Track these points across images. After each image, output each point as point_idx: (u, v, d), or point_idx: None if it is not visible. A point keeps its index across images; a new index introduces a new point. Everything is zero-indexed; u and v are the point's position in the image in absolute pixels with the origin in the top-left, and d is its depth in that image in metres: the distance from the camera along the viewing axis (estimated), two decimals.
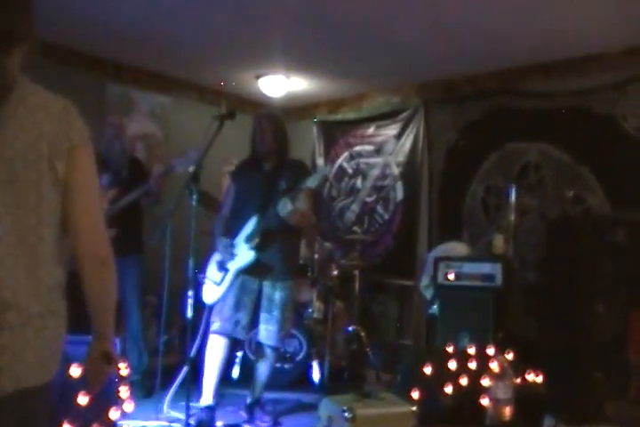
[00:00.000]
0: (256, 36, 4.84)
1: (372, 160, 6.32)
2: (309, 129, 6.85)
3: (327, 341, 4.73)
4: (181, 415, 3.41)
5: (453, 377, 3.29)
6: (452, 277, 4.50)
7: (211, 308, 3.70)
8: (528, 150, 5.23)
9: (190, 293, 3.48)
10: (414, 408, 2.98)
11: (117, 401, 2.86)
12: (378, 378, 4.90)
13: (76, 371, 2.56)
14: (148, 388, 3.98)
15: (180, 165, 3.96)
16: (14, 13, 1.42)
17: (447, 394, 3.18)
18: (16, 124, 1.37)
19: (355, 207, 6.40)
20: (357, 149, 6.45)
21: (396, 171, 6.12)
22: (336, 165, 6.60)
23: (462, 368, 3.36)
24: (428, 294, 4.91)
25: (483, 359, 3.42)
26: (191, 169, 3.59)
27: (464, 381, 3.27)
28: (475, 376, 3.28)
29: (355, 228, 6.28)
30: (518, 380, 3.25)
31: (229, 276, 3.62)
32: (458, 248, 4.99)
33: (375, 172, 6.28)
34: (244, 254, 3.60)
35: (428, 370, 3.28)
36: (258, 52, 5.22)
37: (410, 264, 5.78)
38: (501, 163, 5.39)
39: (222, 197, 4.17)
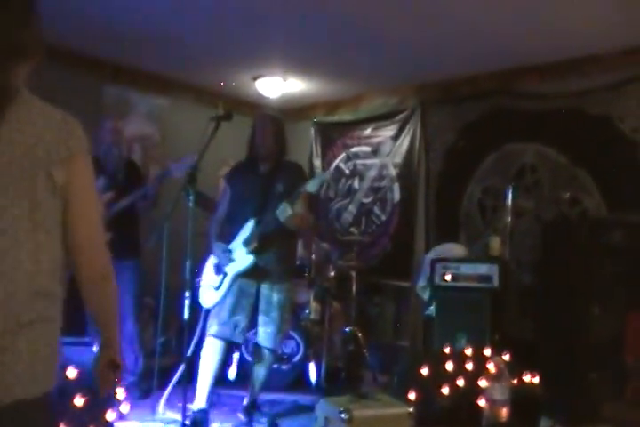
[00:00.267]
0: (253, 38, 4.85)
1: (369, 161, 6.33)
2: (307, 130, 6.86)
3: (324, 342, 4.73)
4: (178, 416, 3.40)
5: (450, 378, 3.30)
6: (448, 278, 4.51)
7: (207, 311, 3.70)
8: (525, 152, 5.24)
9: (187, 294, 3.47)
10: (411, 409, 2.98)
11: (114, 403, 2.86)
12: (375, 379, 4.89)
13: (72, 373, 2.56)
14: (145, 389, 3.98)
15: (176, 170, 3.96)
16: (24, 28, 1.44)
17: (444, 395, 3.18)
18: (14, 130, 1.37)
19: (352, 208, 6.40)
20: (354, 150, 6.46)
21: (393, 172, 6.12)
22: (333, 166, 6.61)
23: (459, 369, 3.37)
24: (425, 295, 4.92)
25: (480, 361, 3.43)
26: (188, 171, 3.58)
27: (461, 382, 3.28)
28: (472, 378, 3.28)
29: (352, 229, 6.29)
30: (515, 381, 3.25)
31: (227, 280, 3.62)
32: (455, 249, 4.99)
33: (372, 173, 6.29)
34: (243, 258, 3.59)
35: (424, 371, 3.29)
36: (255, 53, 5.22)
37: (407, 265, 5.79)
38: (498, 164, 5.40)
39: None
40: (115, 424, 2.82)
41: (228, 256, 3.62)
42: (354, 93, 6.37)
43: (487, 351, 3.48)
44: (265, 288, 3.65)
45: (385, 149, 6.20)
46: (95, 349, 1.63)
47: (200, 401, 3.55)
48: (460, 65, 5.32)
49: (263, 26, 4.61)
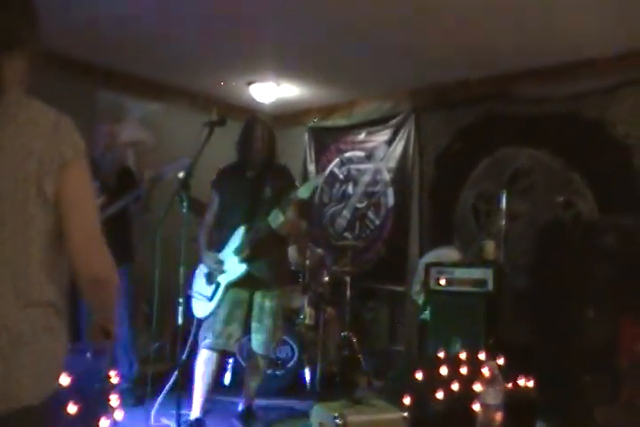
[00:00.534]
0: (247, 43, 4.85)
1: (362, 166, 6.34)
2: (300, 135, 6.87)
3: (319, 347, 4.72)
4: (172, 424, 3.39)
5: (445, 383, 3.29)
6: (443, 282, 4.51)
7: (200, 321, 3.66)
8: (519, 156, 5.25)
9: (181, 300, 3.46)
10: (405, 414, 2.97)
11: (107, 410, 2.85)
12: (370, 384, 4.89)
13: (65, 380, 2.55)
14: (139, 396, 3.96)
15: (169, 172, 3.95)
16: (15, 14, 1.43)
17: (438, 400, 3.18)
18: (5, 143, 1.36)
19: (346, 213, 6.41)
20: (348, 155, 6.47)
21: (387, 177, 6.13)
22: (327, 170, 6.61)
23: (454, 374, 3.36)
24: (420, 299, 4.92)
25: (474, 365, 3.42)
26: (181, 176, 3.57)
27: (455, 386, 3.27)
28: (466, 382, 3.28)
29: (346, 234, 6.29)
30: (510, 385, 3.25)
31: (220, 290, 3.59)
32: (449, 254, 4.99)
33: (366, 178, 6.29)
34: (235, 268, 3.56)
35: (419, 376, 3.28)
36: (249, 58, 5.23)
37: (401, 270, 5.79)
38: (492, 168, 5.41)
39: None
40: None
41: (220, 268, 3.59)
42: (347, 98, 6.39)
43: (482, 356, 3.48)
44: (258, 296, 3.64)
45: (379, 153, 6.21)
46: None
47: (196, 411, 3.54)
48: (453, 70, 5.33)
49: (257, 31, 4.62)
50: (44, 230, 1.41)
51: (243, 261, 3.55)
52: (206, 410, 3.69)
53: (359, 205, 6.32)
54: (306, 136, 6.84)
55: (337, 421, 2.80)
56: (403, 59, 5.10)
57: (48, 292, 1.41)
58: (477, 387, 3.14)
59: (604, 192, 4.74)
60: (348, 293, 5.26)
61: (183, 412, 3.35)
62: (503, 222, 5.11)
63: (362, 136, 6.36)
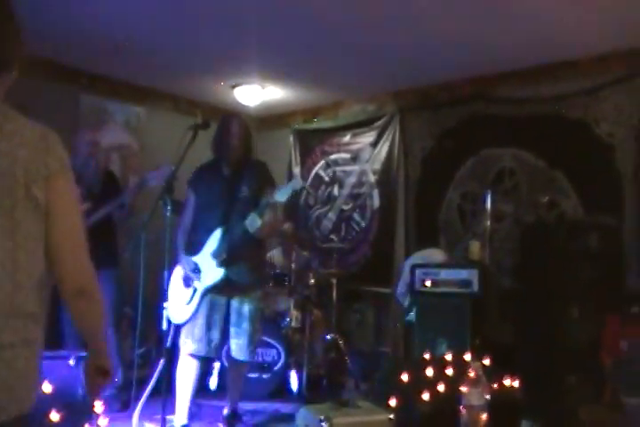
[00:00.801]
0: (231, 46, 4.85)
1: (348, 168, 6.34)
2: (286, 138, 6.87)
3: (305, 349, 4.72)
4: None
5: (431, 384, 3.29)
6: (428, 283, 4.51)
7: (177, 327, 3.58)
8: (503, 156, 5.28)
9: (166, 305, 3.45)
10: (391, 416, 2.97)
11: (92, 416, 2.83)
12: (357, 386, 4.88)
13: (47, 387, 2.53)
14: (124, 401, 3.94)
15: (153, 178, 3.94)
16: (3, 37, 1.45)
17: (424, 401, 3.17)
18: None
19: (331, 215, 6.41)
20: (333, 157, 6.47)
21: (372, 178, 6.14)
22: (312, 173, 6.62)
23: (440, 375, 3.36)
24: (405, 301, 4.92)
25: (460, 366, 3.42)
26: (165, 180, 3.56)
27: (441, 388, 3.27)
28: (452, 383, 3.28)
29: (332, 236, 6.29)
30: (495, 385, 3.26)
31: (197, 295, 3.52)
32: (434, 255, 5.00)
33: (351, 180, 6.30)
34: (213, 272, 3.50)
35: (405, 377, 3.28)
36: (233, 61, 5.22)
37: (387, 272, 5.79)
38: (477, 169, 5.43)
39: None
40: None
41: (197, 274, 3.52)
42: (332, 101, 6.39)
43: (467, 356, 3.48)
44: (235, 301, 3.58)
45: (364, 155, 6.22)
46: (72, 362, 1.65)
47: (181, 418, 3.52)
48: (437, 71, 5.36)
49: (240, 34, 4.61)
50: (32, 237, 1.40)
51: (220, 265, 3.49)
52: (192, 415, 3.67)
53: (345, 207, 6.33)
54: (291, 138, 6.84)
55: (323, 424, 2.80)
56: (387, 61, 5.11)
57: (32, 302, 1.40)
58: (463, 388, 3.14)
59: (588, 192, 4.77)
60: (334, 295, 5.26)
61: (168, 417, 3.33)
62: (488, 223, 5.13)
63: (347, 138, 6.37)
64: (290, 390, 4.61)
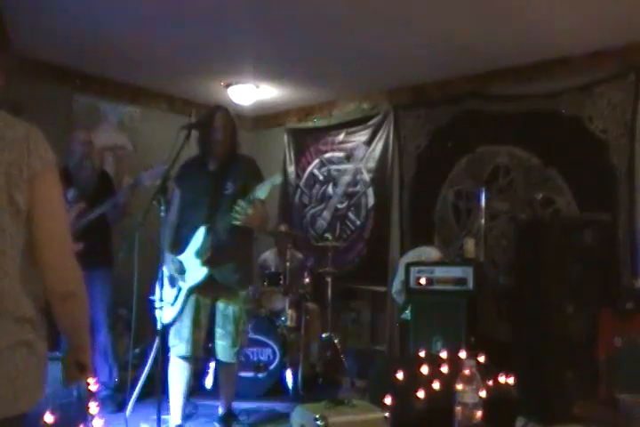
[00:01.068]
0: (225, 46, 4.85)
1: (342, 167, 6.34)
2: (280, 137, 6.87)
3: (301, 348, 4.72)
4: None
5: (426, 382, 3.29)
6: (423, 281, 4.52)
7: (164, 327, 3.48)
8: (498, 153, 5.28)
9: (160, 305, 3.44)
10: (387, 414, 2.97)
11: (86, 418, 2.82)
12: (353, 384, 4.89)
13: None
14: (119, 402, 3.93)
15: (147, 178, 3.92)
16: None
17: (420, 399, 3.18)
18: None
19: (326, 214, 6.41)
20: (328, 155, 6.47)
21: (366, 177, 6.14)
22: (307, 172, 6.62)
23: (435, 373, 3.36)
24: (400, 299, 4.92)
25: (455, 363, 3.42)
26: (159, 182, 3.55)
27: (437, 385, 3.27)
28: (447, 381, 3.28)
29: (326, 235, 6.27)
30: (490, 382, 3.26)
31: (182, 294, 3.47)
32: (429, 253, 5.00)
33: (346, 178, 6.30)
34: (196, 272, 3.44)
35: (400, 375, 3.28)
36: (227, 61, 5.22)
37: (382, 270, 5.79)
38: (471, 167, 5.43)
39: None
40: None
41: (182, 275, 3.47)
42: (326, 99, 6.39)
43: (462, 354, 3.48)
44: (221, 302, 3.54)
45: (358, 154, 6.22)
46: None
47: (175, 418, 3.51)
48: (431, 69, 5.36)
49: (234, 33, 4.61)
50: (18, 243, 1.39)
51: (203, 264, 3.43)
52: (187, 414, 3.67)
53: (339, 206, 6.32)
54: (285, 137, 6.84)
55: (317, 422, 2.79)
56: (381, 59, 5.11)
57: (24, 306, 1.40)
58: (459, 385, 3.14)
59: (583, 189, 4.78)
60: (330, 293, 5.26)
61: (163, 417, 3.33)
62: (483, 220, 5.14)
63: (341, 137, 6.36)
64: (285, 388, 4.61)
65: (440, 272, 4.50)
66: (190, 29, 4.56)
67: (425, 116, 5.79)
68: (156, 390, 3.15)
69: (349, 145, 6.29)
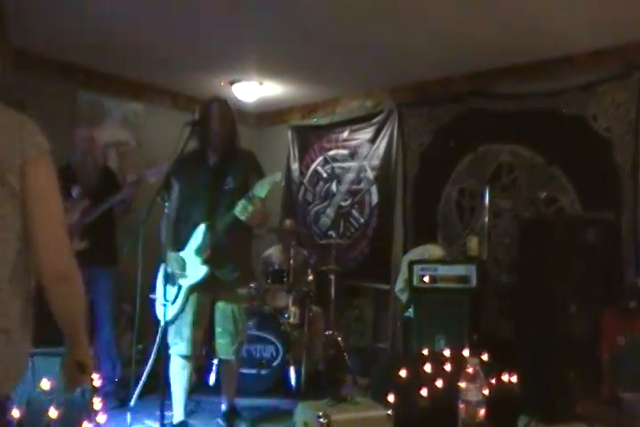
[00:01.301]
0: (229, 43, 4.84)
1: (346, 164, 6.34)
2: (284, 134, 6.86)
3: (304, 346, 4.72)
4: (156, 425, 3.38)
5: (429, 380, 3.29)
6: (427, 279, 4.52)
7: (165, 325, 3.47)
8: (501, 152, 5.27)
9: (163, 301, 3.44)
10: (390, 412, 2.97)
11: (90, 413, 2.83)
12: (355, 382, 4.90)
13: (45, 384, 2.53)
14: (122, 398, 3.94)
15: (150, 175, 3.93)
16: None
17: (423, 397, 3.18)
18: None
19: (330, 212, 6.41)
20: (332, 153, 6.47)
21: (370, 174, 6.14)
22: (311, 169, 6.62)
23: (438, 371, 3.36)
24: (404, 297, 4.92)
25: (458, 362, 3.43)
26: (162, 176, 3.56)
27: (440, 383, 3.27)
28: (451, 379, 3.28)
29: (330, 232, 6.29)
30: (493, 381, 3.26)
31: (182, 293, 3.45)
32: (433, 251, 5.00)
33: (350, 176, 6.30)
34: (197, 270, 3.42)
35: (403, 373, 3.28)
36: (231, 58, 5.21)
37: (385, 268, 5.78)
38: (475, 165, 5.43)
39: None
40: None
41: (182, 273, 3.45)
42: (330, 97, 6.39)
43: (466, 352, 3.48)
44: (221, 301, 3.54)
45: (362, 151, 6.21)
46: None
47: (178, 415, 3.51)
48: (434, 67, 5.36)
49: (238, 31, 4.60)
50: (10, 226, 1.41)
51: (204, 262, 3.41)
52: (190, 411, 3.68)
53: (343, 204, 6.32)
54: (289, 135, 6.83)
55: (320, 420, 2.79)
56: (385, 57, 5.10)
57: (5, 291, 1.40)
58: (462, 384, 3.14)
59: (586, 187, 4.77)
60: (333, 291, 5.26)
61: (167, 413, 3.33)
62: (486, 218, 5.14)
63: (345, 134, 6.36)
64: (288, 386, 4.62)
65: (443, 270, 4.50)
66: (194, 26, 4.56)
67: (428, 115, 5.79)
68: (160, 387, 3.14)
69: (353, 143, 6.29)
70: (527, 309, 4.21)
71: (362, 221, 6.15)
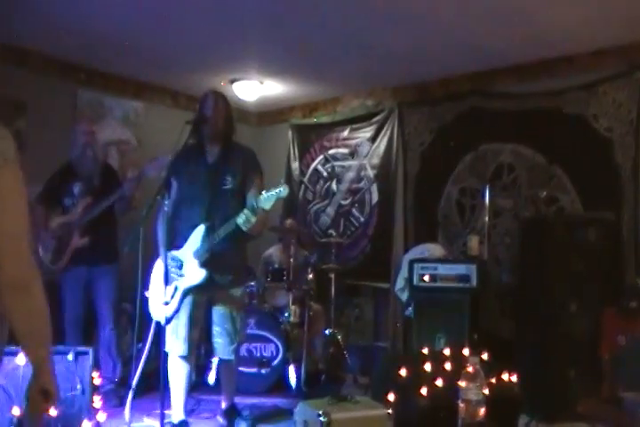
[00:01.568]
0: (230, 41, 4.84)
1: (346, 163, 6.34)
2: (284, 133, 6.86)
3: (304, 345, 4.72)
4: (156, 423, 3.38)
5: (429, 379, 3.29)
6: (427, 278, 4.52)
7: (158, 323, 3.45)
8: (501, 151, 5.27)
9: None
10: (390, 411, 2.97)
11: (90, 412, 2.83)
12: (355, 381, 4.90)
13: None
14: (122, 397, 3.94)
15: (150, 170, 3.91)
16: None
17: (423, 396, 3.18)
18: None
19: (330, 210, 6.41)
20: (332, 152, 6.47)
21: (370, 173, 6.13)
22: (311, 168, 6.62)
23: (438, 370, 3.36)
24: (404, 296, 4.92)
25: (458, 361, 3.43)
26: (163, 174, 3.55)
27: (440, 382, 3.28)
28: (450, 378, 3.28)
29: (330, 231, 6.28)
30: (493, 380, 3.26)
31: (178, 294, 3.42)
32: (433, 250, 5.01)
33: (350, 174, 6.29)
34: (195, 272, 3.39)
35: (403, 372, 3.29)
36: (231, 57, 5.21)
37: (386, 267, 5.78)
38: (475, 164, 5.43)
39: None
40: None
41: (178, 271, 3.43)
42: (331, 96, 6.38)
43: (466, 351, 3.49)
44: (217, 301, 3.52)
45: (363, 150, 6.21)
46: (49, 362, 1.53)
47: (178, 414, 3.50)
48: (435, 67, 5.35)
49: (239, 29, 4.60)
50: None
51: (203, 265, 3.39)
52: (190, 409, 3.68)
53: (343, 202, 6.32)
54: (289, 133, 6.83)
55: (321, 418, 2.79)
56: (385, 56, 5.10)
57: None
58: (462, 383, 3.14)
59: (587, 187, 4.77)
60: (333, 290, 5.26)
61: (166, 411, 3.33)
62: (487, 218, 5.14)
63: (345, 133, 6.36)
64: (288, 385, 4.62)
65: (443, 269, 4.50)
66: (194, 25, 4.56)
67: (429, 114, 5.79)
68: (160, 386, 3.14)
69: (354, 141, 6.29)
70: (527, 308, 4.21)
71: (362, 219, 6.15)
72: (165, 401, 3.20)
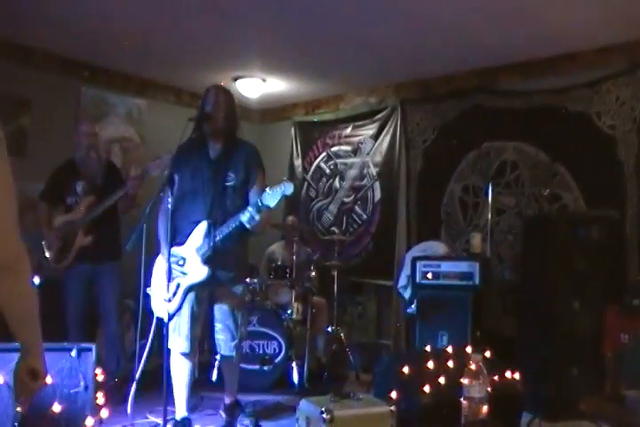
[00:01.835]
0: (233, 39, 4.84)
1: (349, 160, 6.34)
2: (287, 130, 6.86)
3: (306, 342, 4.73)
4: (159, 420, 3.39)
5: (432, 377, 3.29)
6: (430, 276, 4.52)
7: (159, 320, 3.45)
8: (505, 149, 5.26)
9: (166, 296, 3.44)
10: (393, 408, 2.97)
11: (93, 408, 2.84)
12: (358, 378, 4.91)
13: (48, 379, 2.53)
14: (125, 394, 3.94)
15: (153, 168, 3.92)
16: None
17: (425, 393, 3.18)
18: None
19: (333, 208, 6.41)
20: (335, 149, 6.47)
21: (373, 171, 6.13)
22: (314, 165, 6.62)
23: (440, 367, 3.36)
24: (407, 293, 4.92)
25: (461, 358, 3.43)
26: (166, 172, 3.54)
27: (442, 380, 3.28)
28: (453, 375, 3.28)
29: (333, 228, 6.29)
30: (496, 378, 3.26)
31: (181, 290, 3.41)
32: (436, 247, 5.00)
33: (353, 172, 6.30)
34: (198, 269, 3.38)
35: (406, 370, 3.29)
36: (235, 54, 5.21)
37: (388, 264, 5.79)
38: (478, 162, 5.42)
39: None
40: None
41: (181, 268, 3.42)
42: (334, 93, 6.38)
43: (468, 349, 3.49)
44: (219, 297, 3.51)
45: (365, 147, 6.21)
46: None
47: (181, 411, 3.51)
48: (439, 64, 5.35)
49: (242, 27, 4.60)
50: None
51: (205, 262, 3.38)
52: (192, 406, 3.68)
53: (346, 200, 6.33)
54: (292, 131, 6.83)
55: (323, 415, 2.80)
56: (388, 54, 5.10)
57: None
58: (464, 380, 3.15)
59: (590, 185, 4.76)
60: (336, 287, 5.26)
61: (169, 408, 3.34)
62: (490, 215, 5.14)
63: (348, 130, 6.36)
64: (291, 382, 4.62)
65: (446, 267, 4.50)
66: (198, 22, 4.56)
67: (432, 111, 5.78)
68: (163, 383, 3.14)
69: (356, 139, 6.29)
70: (530, 306, 4.21)
71: (364, 217, 6.15)
72: (168, 398, 3.20)
